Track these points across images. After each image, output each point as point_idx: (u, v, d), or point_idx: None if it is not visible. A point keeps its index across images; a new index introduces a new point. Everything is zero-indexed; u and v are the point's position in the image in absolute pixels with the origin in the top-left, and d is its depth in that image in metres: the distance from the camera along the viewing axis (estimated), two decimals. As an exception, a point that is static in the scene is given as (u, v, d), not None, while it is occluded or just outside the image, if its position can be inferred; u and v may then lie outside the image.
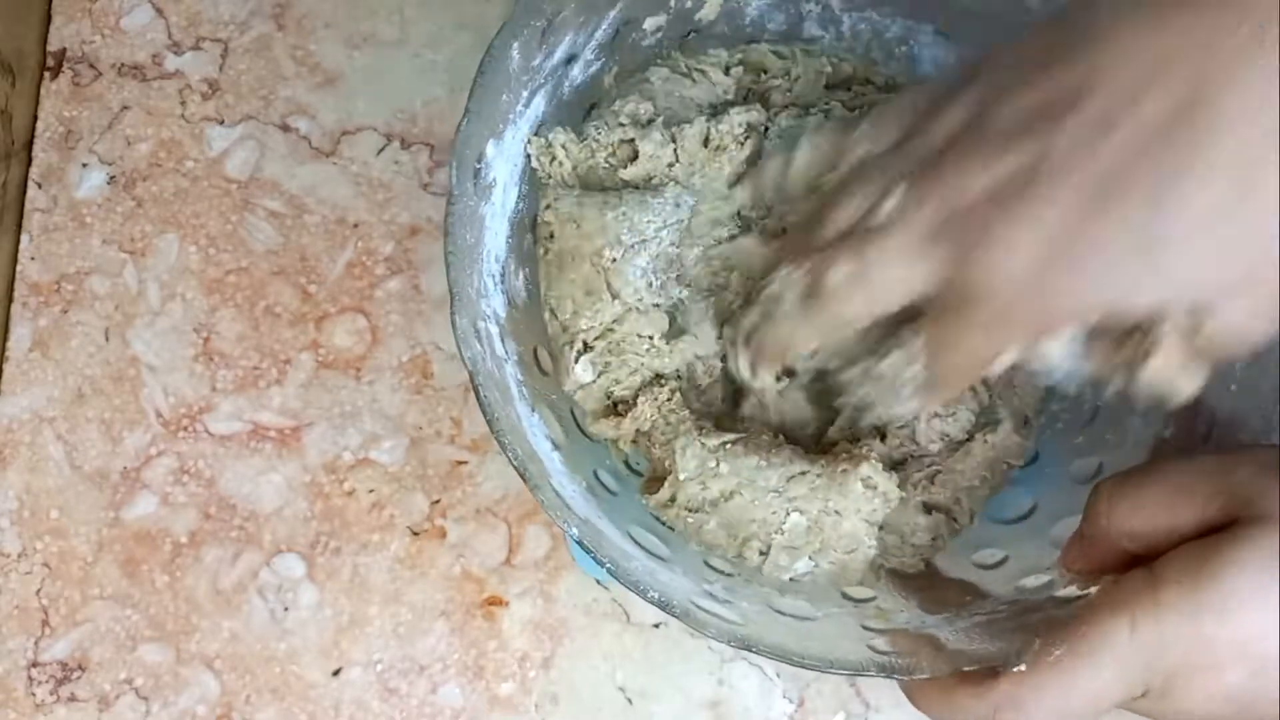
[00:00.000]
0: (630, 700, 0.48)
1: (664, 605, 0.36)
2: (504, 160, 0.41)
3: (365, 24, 0.54)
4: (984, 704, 0.34)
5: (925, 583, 0.42)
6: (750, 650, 0.35)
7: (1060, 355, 0.33)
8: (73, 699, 0.48)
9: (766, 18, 0.46)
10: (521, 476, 0.36)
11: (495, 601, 0.49)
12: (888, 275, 0.33)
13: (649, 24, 0.44)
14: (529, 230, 0.43)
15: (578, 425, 0.42)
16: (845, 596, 0.41)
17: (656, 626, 0.49)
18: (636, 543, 0.40)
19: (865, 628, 0.39)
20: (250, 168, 0.52)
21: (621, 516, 0.40)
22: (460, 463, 0.50)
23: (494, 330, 0.39)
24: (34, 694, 0.48)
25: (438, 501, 0.49)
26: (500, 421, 0.36)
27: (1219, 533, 0.32)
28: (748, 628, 0.37)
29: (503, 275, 0.41)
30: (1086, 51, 0.31)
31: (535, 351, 0.42)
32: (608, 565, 0.36)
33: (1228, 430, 0.40)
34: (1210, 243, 0.30)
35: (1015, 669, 0.34)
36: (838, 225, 0.34)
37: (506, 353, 0.40)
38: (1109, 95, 0.30)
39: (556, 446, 0.40)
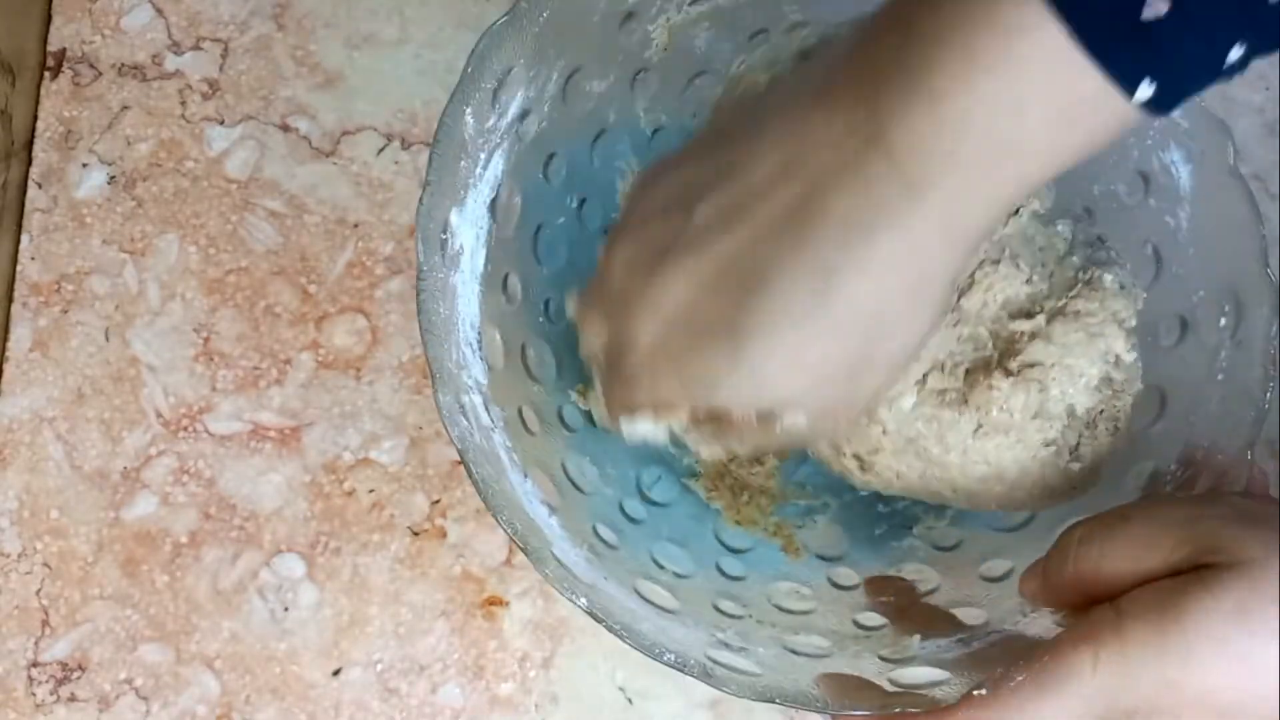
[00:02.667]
0: (630, 700, 0.48)
1: (681, 666, 0.36)
2: (468, 225, 0.41)
3: (365, 24, 0.54)
4: None
5: (906, 603, 0.42)
6: (774, 702, 0.35)
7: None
8: (73, 699, 0.48)
9: (713, 49, 0.46)
10: (524, 551, 0.36)
11: (495, 601, 0.49)
12: (588, 341, 0.37)
13: (597, 80, 0.44)
14: (500, 289, 0.42)
15: (570, 481, 0.42)
16: (858, 625, 0.41)
17: (656, 626, 0.49)
18: (644, 598, 0.39)
19: (882, 658, 0.38)
20: (250, 168, 0.52)
21: (626, 571, 0.40)
22: (460, 463, 0.50)
23: (478, 400, 0.39)
24: (34, 694, 0.48)
25: (438, 501, 0.49)
26: (497, 498, 0.36)
27: (1187, 574, 0.32)
28: (766, 677, 0.36)
29: (479, 341, 0.41)
30: (741, 137, 0.33)
31: (520, 411, 0.42)
32: (619, 631, 0.36)
33: (1210, 459, 0.40)
34: (783, 351, 0.32)
35: (976, 693, 0.34)
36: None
37: (493, 420, 0.39)
38: (747, 181, 0.32)
39: (553, 510, 0.40)
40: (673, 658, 0.36)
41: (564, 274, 0.45)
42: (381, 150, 0.52)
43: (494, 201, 0.42)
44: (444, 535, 0.49)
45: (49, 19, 0.54)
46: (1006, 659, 0.35)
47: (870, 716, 0.36)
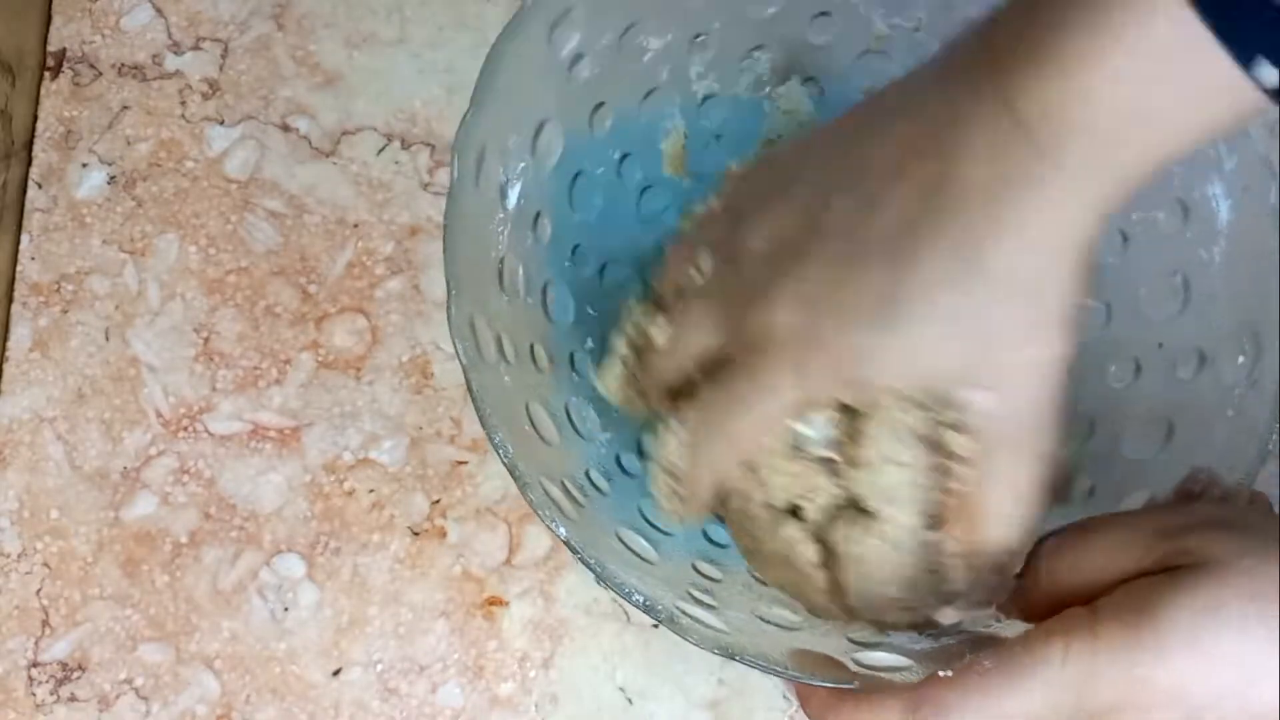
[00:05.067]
0: (630, 700, 0.48)
1: (649, 609, 0.36)
2: (506, 155, 0.41)
3: (365, 24, 0.54)
4: (904, 705, 0.34)
5: None
6: (734, 658, 0.35)
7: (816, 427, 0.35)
8: (73, 699, 0.48)
9: (777, 23, 0.46)
10: (512, 475, 0.36)
11: (495, 601, 0.49)
12: (687, 339, 0.37)
13: (654, 36, 0.44)
14: (530, 226, 0.43)
15: (571, 423, 0.42)
16: None
17: (656, 626, 0.49)
18: (625, 545, 0.40)
19: (850, 640, 0.38)
20: (250, 168, 0.52)
21: (610, 518, 0.40)
22: (460, 463, 0.50)
23: (491, 326, 0.39)
24: (34, 694, 0.48)
25: (438, 501, 0.49)
26: (492, 418, 0.36)
27: (1159, 574, 0.32)
28: (732, 635, 0.36)
29: (501, 270, 0.41)
30: (866, 131, 0.33)
31: (532, 347, 0.42)
32: (593, 565, 0.36)
33: (1220, 466, 0.39)
34: (941, 316, 0.31)
35: (941, 674, 0.33)
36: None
37: (502, 348, 0.40)
38: (881, 168, 0.32)
39: (549, 445, 0.40)
40: (642, 600, 0.36)
41: (596, 223, 0.45)
42: (381, 150, 0.52)
43: (535, 138, 0.42)
44: (444, 535, 0.49)
45: (49, 19, 0.54)
46: (973, 654, 0.34)
47: (829, 689, 0.36)
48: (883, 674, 0.36)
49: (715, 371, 0.36)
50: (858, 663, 0.37)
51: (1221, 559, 0.31)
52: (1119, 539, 0.33)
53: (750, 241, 0.35)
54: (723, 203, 0.39)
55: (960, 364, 0.32)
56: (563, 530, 0.36)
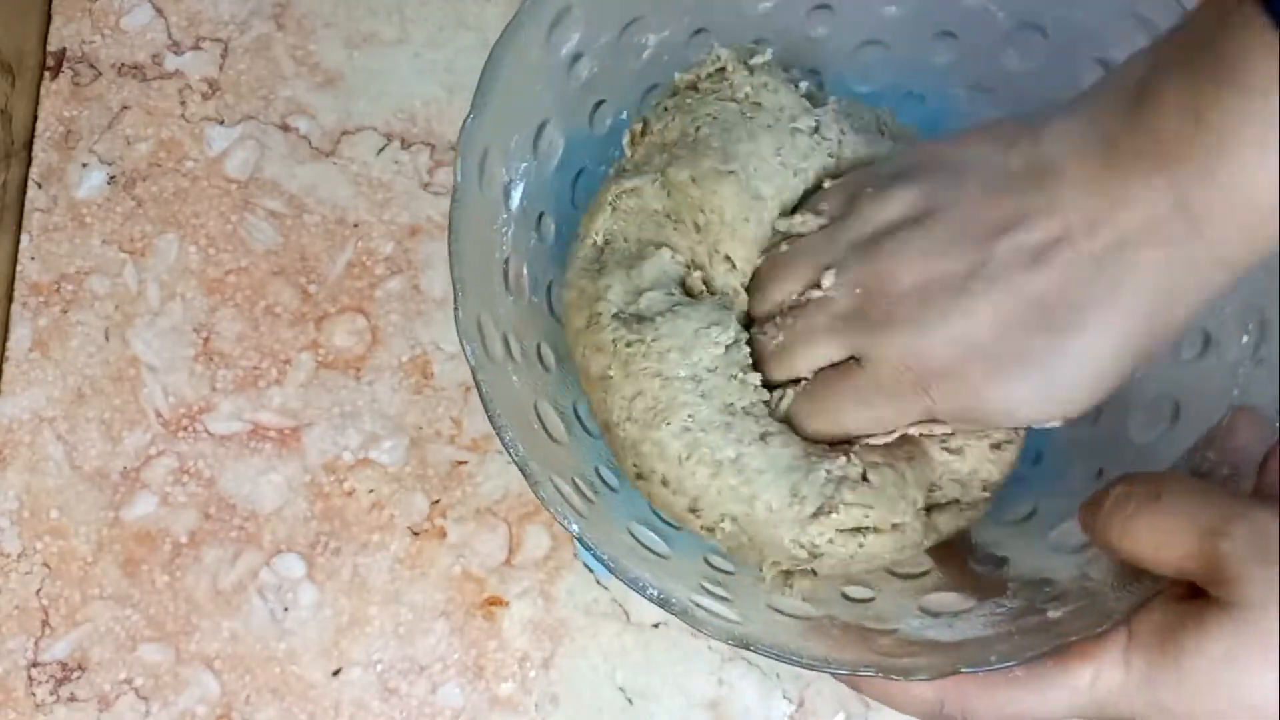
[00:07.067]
0: (630, 700, 0.48)
1: (663, 602, 0.36)
2: (509, 156, 0.41)
3: (365, 24, 0.54)
4: (934, 690, 0.36)
5: (945, 554, 0.42)
6: (749, 649, 0.36)
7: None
8: (73, 699, 0.48)
9: (776, 15, 0.46)
10: (523, 472, 0.36)
11: (495, 601, 0.49)
12: (808, 350, 0.39)
13: (652, 33, 0.44)
14: (534, 226, 0.43)
15: (579, 422, 0.43)
16: (845, 598, 0.41)
17: (656, 626, 0.49)
18: (638, 540, 0.40)
19: (864, 628, 0.39)
20: (250, 168, 0.52)
21: (622, 513, 0.40)
22: (460, 463, 0.50)
23: (497, 326, 0.39)
24: (34, 694, 0.48)
25: (438, 501, 0.49)
26: (501, 418, 0.36)
27: (1188, 605, 0.34)
28: (746, 626, 0.37)
29: (506, 271, 0.41)
30: (1045, 184, 0.35)
31: (539, 347, 0.42)
32: (608, 561, 0.36)
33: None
34: (1094, 377, 0.35)
35: (964, 670, 0.35)
36: (774, 299, 0.41)
37: (509, 347, 0.40)
38: (1047, 226, 0.34)
39: (558, 443, 0.40)
40: (655, 593, 0.36)
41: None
42: (381, 150, 0.52)
43: (537, 138, 0.42)
44: (444, 535, 0.49)
45: (49, 19, 0.54)
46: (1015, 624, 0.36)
47: (845, 676, 0.37)
48: (902, 660, 0.36)
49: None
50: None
51: (1251, 603, 0.32)
52: (1171, 525, 0.35)
53: (900, 273, 0.37)
54: (845, 204, 0.40)
55: (1082, 404, 0.36)
56: (575, 526, 0.36)
